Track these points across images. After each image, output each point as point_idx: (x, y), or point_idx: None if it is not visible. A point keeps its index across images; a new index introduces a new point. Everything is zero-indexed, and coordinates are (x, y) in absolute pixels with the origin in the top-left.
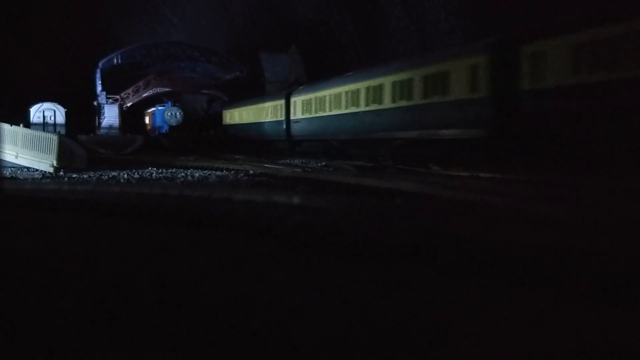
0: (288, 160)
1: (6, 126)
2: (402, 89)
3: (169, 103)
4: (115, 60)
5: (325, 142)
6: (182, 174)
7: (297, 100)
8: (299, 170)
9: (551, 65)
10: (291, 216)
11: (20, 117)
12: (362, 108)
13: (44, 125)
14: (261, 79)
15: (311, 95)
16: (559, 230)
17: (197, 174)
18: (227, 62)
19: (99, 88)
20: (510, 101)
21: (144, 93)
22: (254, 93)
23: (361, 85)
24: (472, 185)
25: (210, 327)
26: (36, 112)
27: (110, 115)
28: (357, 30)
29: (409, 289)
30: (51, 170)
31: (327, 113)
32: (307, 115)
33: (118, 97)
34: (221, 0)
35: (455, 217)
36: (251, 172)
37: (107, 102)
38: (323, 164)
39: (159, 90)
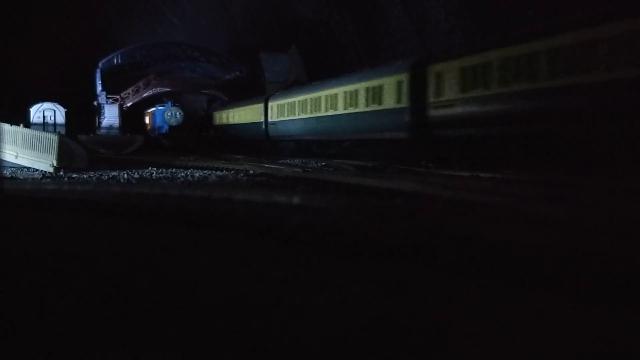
0: (288, 160)
1: (6, 126)
2: (351, 98)
3: (169, 103)
4: (115, 60)
5: (295, 141)
6: (182, 174)
7: (273, 105)
8: (299, 170)
9: (447, 83)
10: (291, 216)
11: (20, 117)
12: (323, 113)
13: (44, 125)
14: (261, 79)
15: (284, 101)
16: (559, 230)
17: (197, 174)
18: (227, 62)
19: (99, 88)
20: (421, 111)
21: (144, 93)
22: (253, 93)
23: (322, 94)
24: (472, 185)
25: (210, 327)
26: (36, 112)
27: (110, 115)
28: (357, 30)
29: (409, 289)
30: (51, 170)
31: (297, 117)
32: (281, 118)
33: (118, 97)
34: (221, 0)
35: (455, 217)
36: (251, 172)
37: (107, 102)
38: (323, 164)
39: (159, 90)
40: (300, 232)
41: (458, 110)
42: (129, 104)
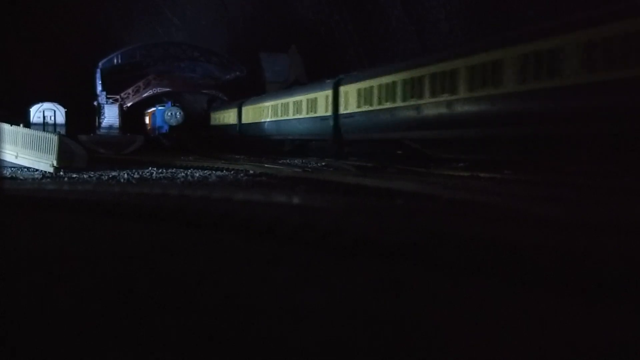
0: (288, 160)
1: (6, 126)
2: (297, 107)
3: (169, 103)
4: (115, 60)
5: (260, 139)
6: (182, 174)
7: (246, 108)
8: (299, 170)
9: (350, 100)
10: (291, 216)
11: (20, 117)
12: (279, 117)
13: (44, 125)
14: (261, 79)
15: (253, 106)
16: (559, 230)
17: (197, 174)
18: (227, 62)
19: (99, 88)
20: (337, 119)
21: (144, 93)
22: (253, 93)
23: (278, 102)
24: (472, 185)
25: (210, 327)
26: (36, 112)
27: (110, 115)
28: (357, 30)
29: (409, 289)
30: (51, 170)
31: (262, 120)
32: (251, 121)
33: (118, 97)
34: (221, 0)
35: (455, 217)
36: (251, 172)
37: (107, 102)
38: (323, 164)
39: (159, 90)
40: (300, 232)
41: (356, 119)
42: (129, 104)
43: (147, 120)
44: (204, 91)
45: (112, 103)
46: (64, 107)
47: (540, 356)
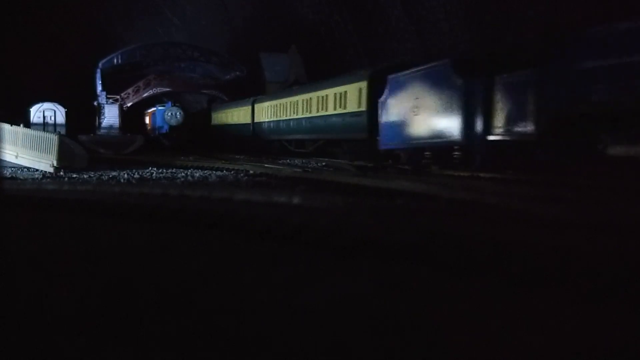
0: (288, 160)
1: (6, 126)
2: (234, 115)
3: (169, 103)
4: (115, 60)
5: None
6: (182, 174)
7: (215, 114)
8: (299, 170)
9: (264, 112)
10: (291, 216)
11: (20, 117)
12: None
13: (44, 125)
14: (261, 79)
15: (221, 112)
16: (559, 230)
17: (197, 174)
18: (227, 62)
19: (99, 88)
20: (254, 125)
21: (144, 93)
22: (252, 93)
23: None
24: (472, 185)
25: (210, 327)
26: (36, 112)
27: (110, 115)
28: (357, 30)
29: (409, 289)
30: (51, 170)
31: (229, 122)
32: (215, 123)
33: (118, 97)
34: (221, 0)
35: (455, 217)
36: (251, 172)
37: (107, 102)
38: (323, 164)
39: (159, 90)
40: (300, 232)
41: (269, 125)
42: (129, 104)
43: (147, 120)
44: (204, 91)
45: (112, 103)
46: (64, 107)
47: (540, 356)
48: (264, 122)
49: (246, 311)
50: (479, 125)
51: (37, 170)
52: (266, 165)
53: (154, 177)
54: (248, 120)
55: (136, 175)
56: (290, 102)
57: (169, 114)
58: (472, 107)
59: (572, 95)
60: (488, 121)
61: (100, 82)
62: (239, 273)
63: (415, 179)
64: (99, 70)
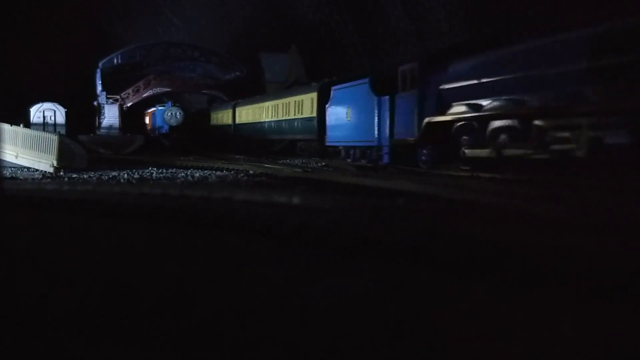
0: (288, 160)
1: (6, 126)
2: (227, 115)
3: (169, 103)
4: (115, 61)
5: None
6: (182, 174)
7: (212, 114)
8: (299, 170)
9: (244, 114)
10: (291, 216)
11: (20, 117)
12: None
13: (44, 126)
14: (261, 79)
15: (214, 113)
16: (559, 230)
17: (197, 174)
18: (227, 62)
19: (99, 88)
20: (235, 126)
21: (144, 93)
22: (252, 93)
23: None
24: (472, 185)
25: (210, 327)
26: (36, 112)
27: (110, 116)
28: (357, 30)
29: (409, 289)
30: (51, 170)
31: (219, 123)
32: (212, 124)
33: (118, 97)
34: (221, 0)
35: (455, 217)
36: (251, 172)
37: (107, 102)
38: (323, 164)
39: (159, 90)
40: (300, 232)
41: (246, 127)
42: (129, 104)
43: (147, 120)
44: (204, 91)
45: (112, 103)
46: (64, 107)
47: (540, 356)
48: (242, 124)
49: (246, 311)
50: (386, 131)
51: (37, 170)
52: (266, 165)
53: (154, 177)
54: (230, 122)
55: (136, 175)
56: (262, 107)
57: (169, 114)
58: (381, 116)
59: (438, 108)
60: (392, 127)
61: (100, 82)
62: (239, 273)
63: (415, 179)
64: (99, 70)
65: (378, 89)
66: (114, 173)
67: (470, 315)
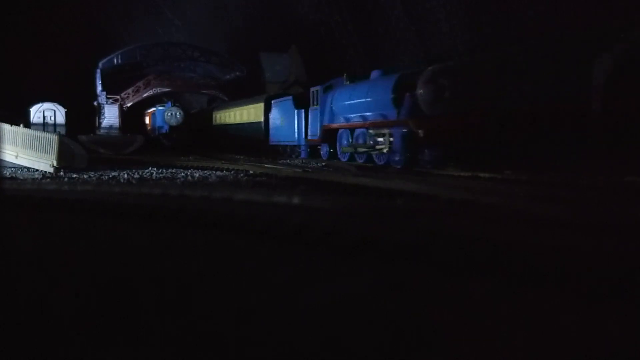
0: (288, 161)
1: (6, 126)
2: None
3: (169, 103)
4: (115, 61)
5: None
6: (182, 174)
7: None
8: (299, 170)
9: (224, 116)
10: (291, 216)
11: (20, 117)
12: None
13: (44, 126)
14: (261, 79)
15: (206, 114)
16: (560, 230)
17: (197, 174)
18: (227, 62)
19: (99, 88)
20: (213, 127)
21: (144, 93)
22: (253, 93)
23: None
24: (472, 185)
25: (210, 327)
26: (36, 112)
27: (110, 116)
28: (357, 30)
29: (409, 289)
30: (51, 170)
31: (210, 124)
32: (211, 124)
33: (118, 97)
34: (221, 0)
35: (455, 217)
36: (251, 172)
37: (107, 102)
38: (323, 164)
39: (159, 90)
40: (300, 232)
41: (219, 129)
42: (129, 104)
43: (147, 120)
44: (204, 91)
45: (112, 103)
46: (64, 107)
47: (540, 356)
48: (217, 125)
49: (246, 311)
50: (302, 134)
51: (37, 170)
52: (266, 165)
53: (154, 177)
54: (210, 123)
55: (136, 176)
56: (230, 112)
57: (169, 114)
58: (300, 124)
59: (330, 119)
60: (306, 131)
61: (100, 82)
62: (239, 273)
63: (415, 179)
64: (99, 71)
65: (297, 104)
66: (114, 173)
67: (470, 315)
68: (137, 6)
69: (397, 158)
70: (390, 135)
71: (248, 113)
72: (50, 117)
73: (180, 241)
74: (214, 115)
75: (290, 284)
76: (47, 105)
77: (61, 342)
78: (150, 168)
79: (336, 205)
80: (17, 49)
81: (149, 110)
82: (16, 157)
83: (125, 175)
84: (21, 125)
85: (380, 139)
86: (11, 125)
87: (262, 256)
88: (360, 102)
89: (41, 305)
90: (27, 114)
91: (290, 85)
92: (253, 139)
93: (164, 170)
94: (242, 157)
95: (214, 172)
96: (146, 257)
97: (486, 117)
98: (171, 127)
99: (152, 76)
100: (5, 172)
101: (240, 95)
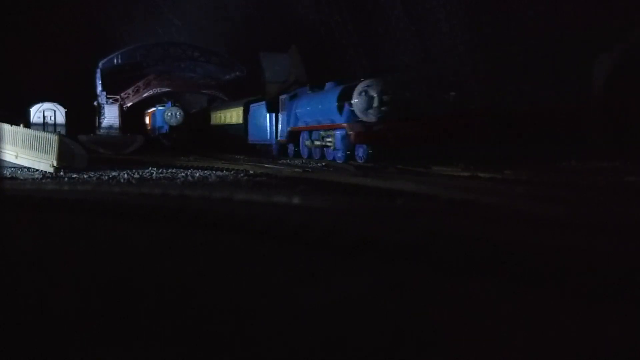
0: (288, 161)
1: (6, 126)
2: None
3: (169, 103)
4: (115, 61)
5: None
6: (182, 174)
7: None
8: (299, 170)
9: (219, 116)
10: (291, 216)
11: (20, 117)
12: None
13: (44, 126)
14: (261, 79)
15: (205, 114)
16: (560, 230)
17: (197, 174)
18: (227, 62)
19: (99, 88)
20: (211, 128)
21: (144, 93)
22: (252, 93)
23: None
24: (472, 185)
25: (210, 327)
26: (36, 112)
27: (110, 116)
28: (357, 30)
29: (409, 289)
30: (51, 170)
31: (210, 124)
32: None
33: (118, 97)
34: (221, 0)
35: (455, 217)
36: (251, 172)
37: (107, 102)
38: (323, 164)
39: (159, 90)
40: (300, 232)
41: (212, 129)
42: (129, 104)
43: (147, 120)
44: (204, 91)
45: (112, 103)
46: (64, 107)
47: (540, 356)
48: (214, 125)
49: (246, 311)
50: (274, 134)
51: (37, 170)
52: (266, 165)
53: (154, 177)
54: (208, 123)
55: (136, 176)
56: (222, 113)
57: (169, 114)
58: (271, 125)
59: (294, 122)
60: (276, 133)
61: (100, 82)
62: (239, 273)
63: (415, 179)
64: (99, 70)
65: (269, 108)
66: (114, 173)
67: (470, 315)
68: (137, 6)
69: (339, 154)
70: (333, 136)
71: (231, 115)
72: (50, 117)
73: (180, 241)
74: (212, 116)
75: (290, 284)
76: (47, 105)
77: (61, 342)
78: (150, 168)
79: (336, 205)
80: (17, 49)
81: (149, 110)
82: (16, 157)
83: (125, 175)
84: (21, 125)
85: (329, 139)
86: (11, 125)
87: (262, 256)
88: (315, 109)
89: (41, 305)
90: (27, 113)
91: (291, 85)
92: (236, 137)
93: (164, 170)
94: (242, 157)
95: (214, 172)
96: (146, 257)
97: (402, 122)
98: (171, 127)
99: (152, 76)
100: (5, 172)
101: (239, 96)
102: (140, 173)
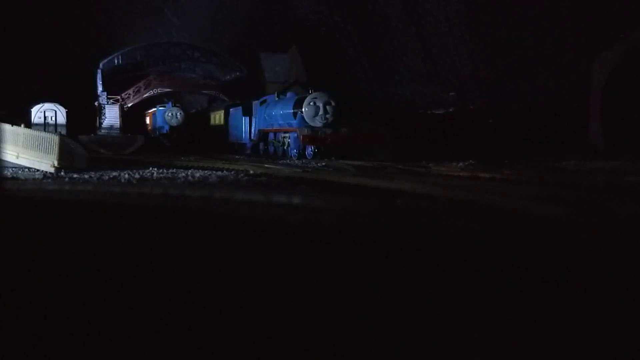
0: (288, 161)
1: (7, 126)
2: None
3: (170, 103)
4: (116, 61)
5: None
6: (183, 174)
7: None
8: (299, 170)
9: (216, 118)
10: (291, 216)
11: (21, 118)
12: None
13: (44, 126)
14: (261, 79)
15: (205, 115)
16: (559, 230)
17: (197, 174)
18: (227, 63)
19: (99, 88)
20: (209, 128)
21: (145, 93)
22: (252, 93)
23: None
24: (472, 185)
25: (210, 327)
26: (37, 113)
27: (111, 116)
28: (357, 30)
29: (409, 289)
30: (52, 170)
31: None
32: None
33: (119, 97)
34: (221, 0)
35: (455, 217)
36: (251, 172)
37: (107, 102)
38: (323, 164)
39: (159, 90)
40: (300, 232)
41: (213, 129)
42: (129, 105)
43: (147, 120)
44: (204, 91)
45: (113, 103)
46: (65, 108)
47: (540, 356)
48: (210, 125)
49: (246, 311)
50: (248, 135)
51: (38, 170)
52: (266, 165)
53: (155, 177)
54: (208, 124)
55: (137, 176)
56: (215, 115)
57: (170, 114)
58: (245, 127)
59: (264, 124)
60: (250, 133)
61: (100, 82)
62: (239, 273)
63: (415, 179)
64: (99, 71)
65: (244, 112)
66: (115, 173)
67: (470, 315)
68: (137, 6)
69: (294, 152)
70: (288, 137)
71: (220, 117)
72: (51, 117)
73: (180, 241)
74: (210, 116)
75: (290, 284)
76: (48, 105)
77: (61, 342)
78: (150, 168)
79: (336, 205)
80: (18, 49)
81: (150, 111)
82: (17, 157)
83: (126, 175)
84: (22, 125)
85: (288, 139)
86: (12, 126)
87: (262, 256)
88: (278, 114)
89: (42, 305)
90: (28, 114)
91: (290, 85)
92: (220, 137)
93: (165, 170)
94: (242, 157)
95: (214, 172)
96: (146, 257)
97: (338, 129)
98: (171, 127)
99: (152, 76)
100: (6, 172)
101: (239, 96)
102: (141, 173)
